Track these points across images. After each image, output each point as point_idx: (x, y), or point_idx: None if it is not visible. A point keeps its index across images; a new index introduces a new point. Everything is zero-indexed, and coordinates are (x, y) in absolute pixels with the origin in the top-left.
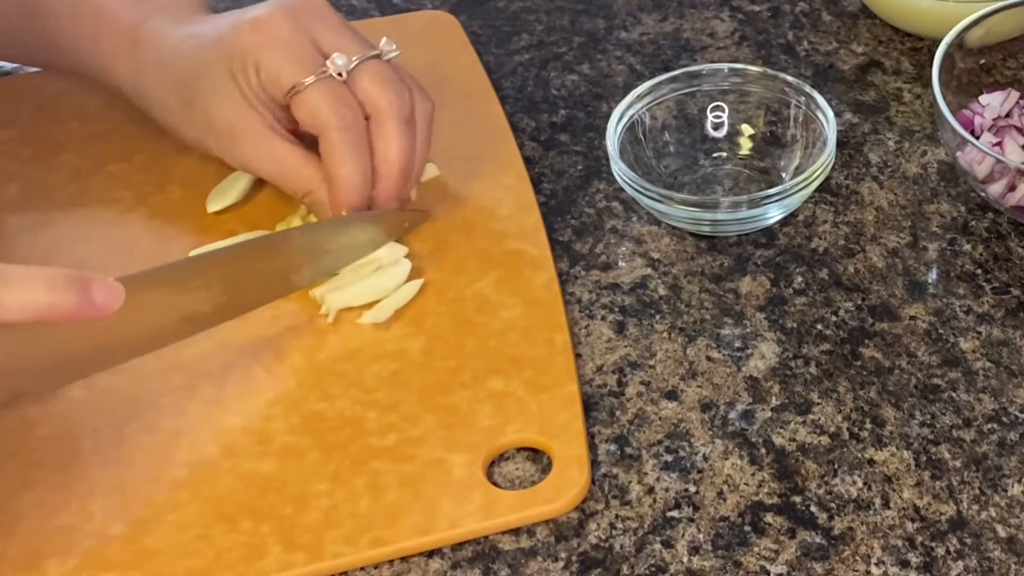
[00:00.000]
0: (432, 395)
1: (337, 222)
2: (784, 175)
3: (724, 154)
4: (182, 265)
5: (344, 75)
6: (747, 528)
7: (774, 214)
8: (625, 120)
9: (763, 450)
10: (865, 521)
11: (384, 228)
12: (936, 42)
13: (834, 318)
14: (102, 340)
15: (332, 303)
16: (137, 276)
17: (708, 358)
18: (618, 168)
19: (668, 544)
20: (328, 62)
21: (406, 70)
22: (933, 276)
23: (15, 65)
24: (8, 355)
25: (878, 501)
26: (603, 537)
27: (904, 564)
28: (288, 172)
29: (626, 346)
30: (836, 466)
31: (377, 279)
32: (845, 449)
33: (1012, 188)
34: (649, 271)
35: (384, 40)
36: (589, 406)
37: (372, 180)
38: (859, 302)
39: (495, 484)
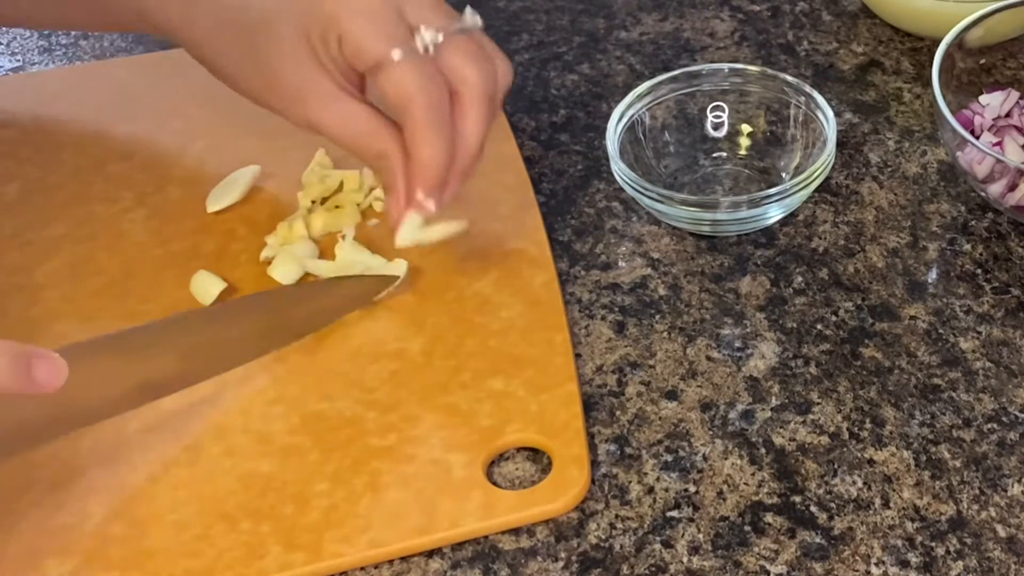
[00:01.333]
0: (432, 395)
1: (303, 287)
2: (784, 175)
3: (724, 154)
4: (133, 333)
5: (431, 50)
6: (747, 528)
7: (774, 214)
8: (625, 120)
9: (763, 450)
10: (865, 521)
11: (353, 294)
12: (936, 42)
13: (834, 318)
14: (49, 411)
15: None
16: (85, 345)
17: (708, 358)
18: (618, 168)
19: (668, 544)
20: (416, 37)
21: (485, 37)
22: (933, 276)
23: (16, 65)
24: None
25: (878, 501)
26: (603, 537)
27: (904, 564)
28: (362, 133)
29: (626, 346)
30: (836, 466)
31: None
32: (845, 449)
33: (1012, 188)
34: (649, 271)
35: (468, 10)
36: (589, 406)
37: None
38: (859, 302)
39: (495, 484)
